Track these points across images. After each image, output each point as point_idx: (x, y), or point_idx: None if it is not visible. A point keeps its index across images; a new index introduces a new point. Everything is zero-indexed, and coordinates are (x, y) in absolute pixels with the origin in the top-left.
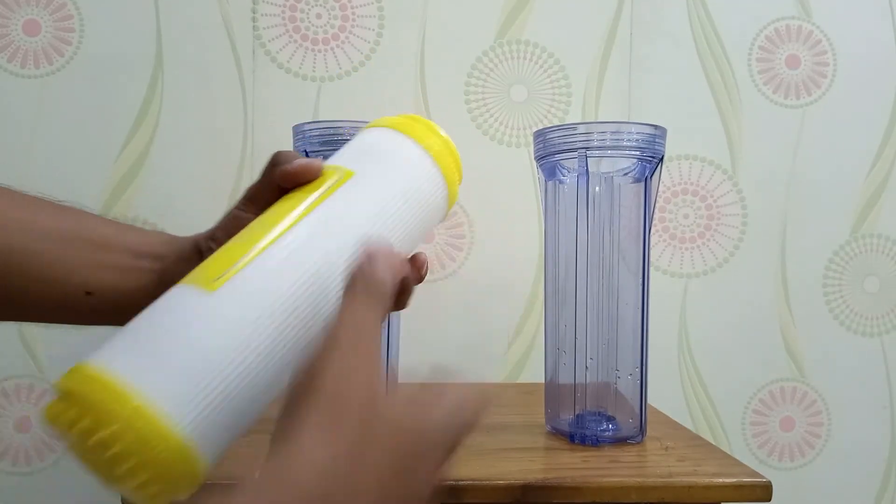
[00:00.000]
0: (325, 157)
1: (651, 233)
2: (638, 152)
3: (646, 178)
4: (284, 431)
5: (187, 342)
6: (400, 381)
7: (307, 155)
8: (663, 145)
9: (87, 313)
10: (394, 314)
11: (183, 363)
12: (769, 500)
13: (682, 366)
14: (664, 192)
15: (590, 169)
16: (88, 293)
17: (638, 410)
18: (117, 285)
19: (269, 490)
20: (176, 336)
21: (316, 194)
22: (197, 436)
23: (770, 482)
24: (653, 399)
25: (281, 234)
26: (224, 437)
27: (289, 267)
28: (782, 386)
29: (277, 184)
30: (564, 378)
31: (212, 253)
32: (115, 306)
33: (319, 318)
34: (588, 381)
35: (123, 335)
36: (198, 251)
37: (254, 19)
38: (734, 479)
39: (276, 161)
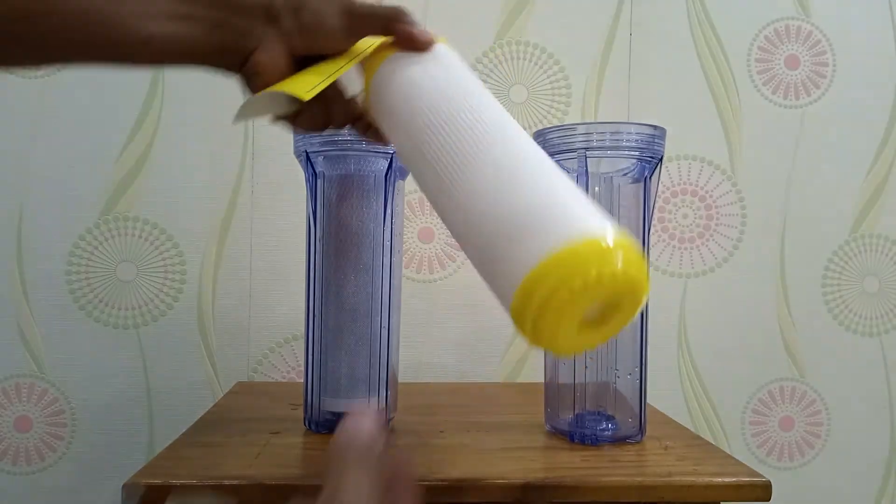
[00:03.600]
0: (325, 158)
1: (650, 233)
2: (637, 152)
3: (645, 179)
4: None
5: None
6: (400, 380)
7: (308, 155)
8: (663, 145)
9: (147, 56)
10: (394, 314)
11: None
12: (768, 499)
13: (682, 366)
14: (663, 192)
15: (589, 169)
16: (147, 41)
17: (637, 410)
18: (173, 32)
19: None
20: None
21: None
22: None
23: (769, 482)
24: (652, 399)
25: None
26: None
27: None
28: (782, 385)
29: (383, 27)
30: (564, 378)
31: (286, 23)
32: (173, 51)
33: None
34: (588, 380)
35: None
36: (264, 7)
37: None
38: (734, 479)
39: (398, 16)
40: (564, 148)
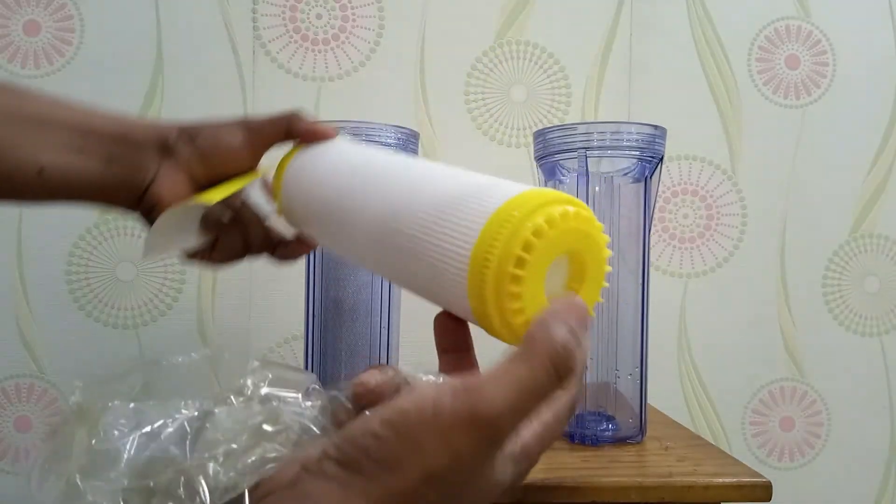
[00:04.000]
0: None
1: (651, 233)
2: (638, 152)
3: (645, 178)
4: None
5: None
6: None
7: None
8: (663, 145)
9: (39, 191)
10: (394, 314)
11: None
12: (769, 499)
13: (682, 366)
14: (664, 192)
15: (590, 169)
16: (40, 172)
17: (638, 410)
18: (66, 165)
19: None
20: None
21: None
22: None
23: (770, 482)
24: (653, 399)
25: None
26: None
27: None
28: (782, 386)
29: (285, 130)
30: None
31: (183, 152)
32: (63, 185)
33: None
34: (588, 380)
35: None
36: (158, 141)
37: (254, 19)
38: (734, 479)
39: (297, 115)
40: (564, 147)
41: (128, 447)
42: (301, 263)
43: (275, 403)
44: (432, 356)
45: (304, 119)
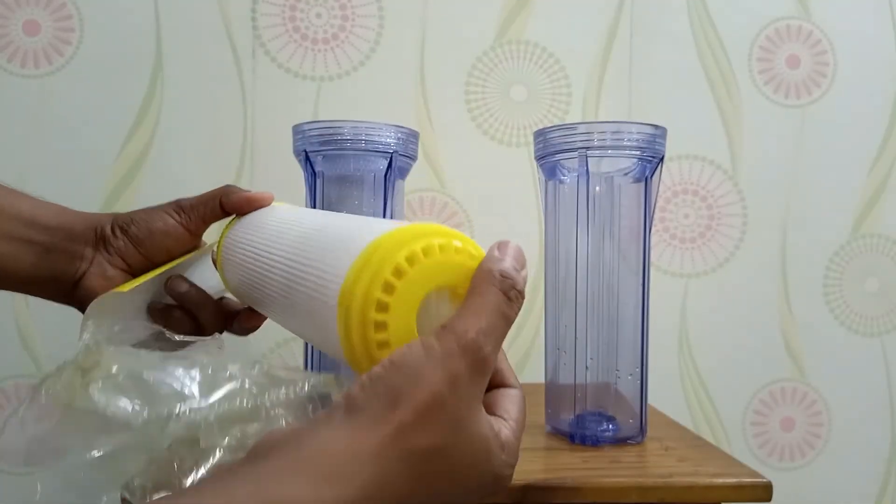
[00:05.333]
0: (325, 157)
1: (651, 233)
2: (638, 152)
3: (646, 178)
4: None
5: None
6: None
7: (307, 155)
8: (664, 145)
9: None
10: None
11: None
12: (769, 500)
13: (683, 366)
14: (664, 191)
15: (590, 169)
16: None
17: (638, 411)
18: (2, 253)
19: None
20: None
21: None
22: None
23: (770, 482)
24: (653, 399)
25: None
26: None
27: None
28: (783, 386)
29: (218, 206)
30: (564, 378)
31: (116, 243)
32: (7, 276)
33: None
34: (588, 381)
35: None
36: (94, 231)
37: (253, 19)
38: (734, 480)
39: (228, 190)
40: (565, 147)
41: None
42: None
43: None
44: None
45: (236, 192)
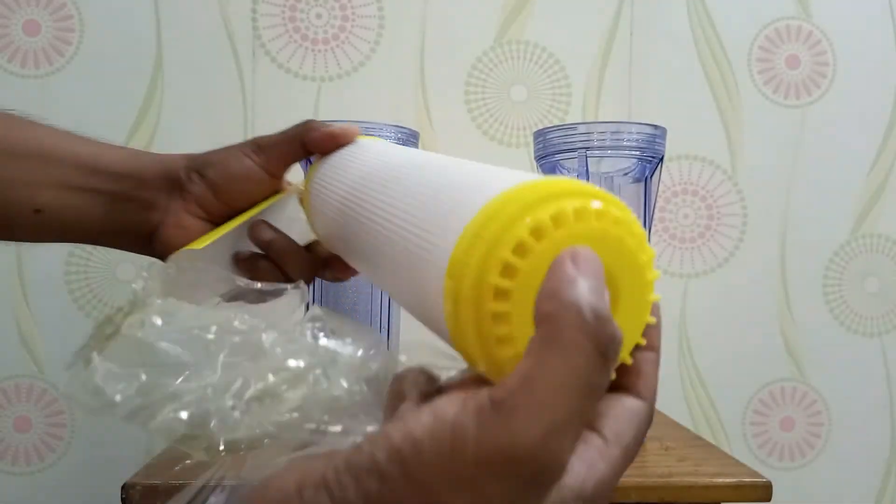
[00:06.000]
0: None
1: (651, 233)
2: (638, 152)
3: (646, 178)
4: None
5: None
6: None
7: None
8: (663, 145)
9: (34, 231)
10: (394, 314)
11: None
12: (769, 500)
13: (682, 366)
14: (664, 192)
15: (590, 169)
16: (37, 211)
17: None
18: (66, 204)
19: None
20: None
21: None
22: None
23: (770, 482)
24: None
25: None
26: None
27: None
28: (782, 386)
29: (300, 144)
30: None
31: (194, 189)
32: (62, 226)
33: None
34: None
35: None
36: (167, 177)
37: (254, 19)
38: (734, 479)
39: (310, 125)
40: (565, 147)
41: (156, 341)
42: None
43: (332, 346)
44: (432, 357)
45: (318, 128)
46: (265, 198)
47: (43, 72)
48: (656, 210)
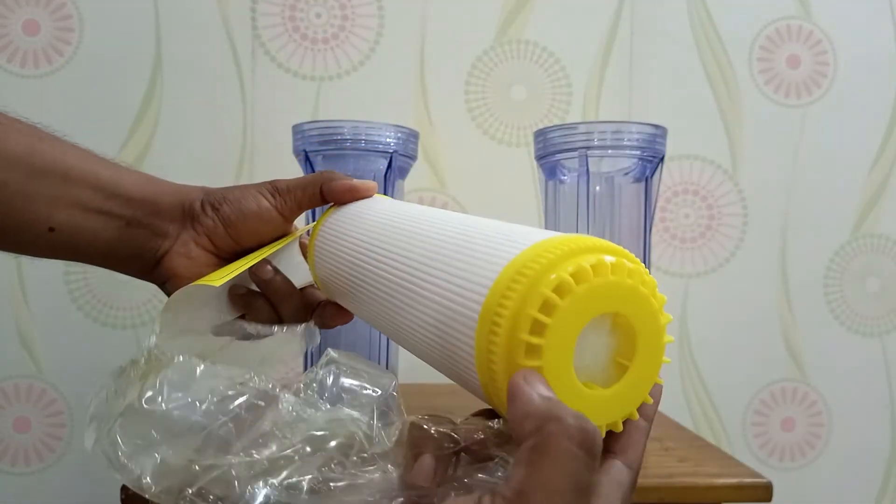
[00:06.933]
0: (324, 157)
1: (651, 233)
2: (638, 152)
3: (646, 178)
4: None
5: None
6: (400, 381)
7: (307, 155)
8: (664, 145)
9: (45, 248)
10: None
11: None
12: (770, 500)
13: (683, 366)
14: (665, 191)
15: (590, 168)
16: (51, 229)
17: None
18: (80, 225)
19: None
20: None
21: None
22: None
23: (770, 482)
24: None
25: None
26: None
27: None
28: (783, 386)
29: (317, 192)
30: None
31: (206, 222)
32: (73, 246)
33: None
34: None
35: None
36: (182, 207)
37: (253, 19)
38: (735, 480)
39: (331, 176)
40: (565, 147)
41: (172, 410)
42: None
43: (344, 400)
44: None
45: (338, 179)
46: (273, 238)
47: (42, 71)
48: (657, 210)
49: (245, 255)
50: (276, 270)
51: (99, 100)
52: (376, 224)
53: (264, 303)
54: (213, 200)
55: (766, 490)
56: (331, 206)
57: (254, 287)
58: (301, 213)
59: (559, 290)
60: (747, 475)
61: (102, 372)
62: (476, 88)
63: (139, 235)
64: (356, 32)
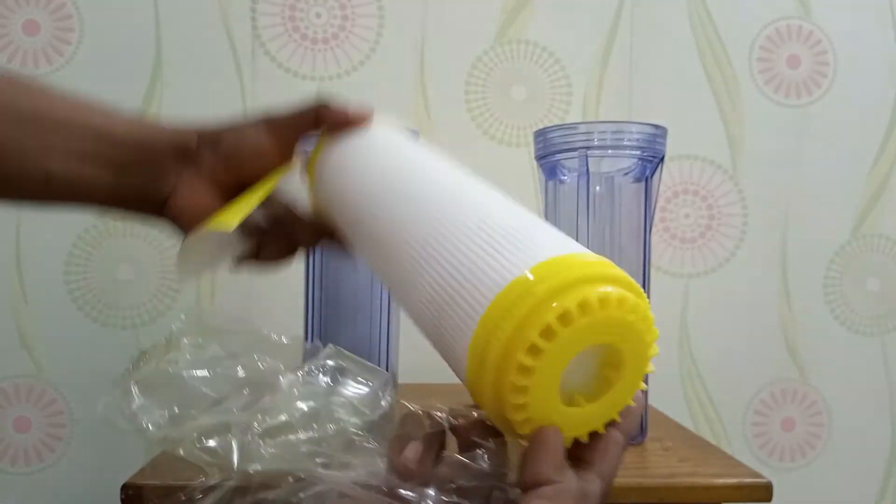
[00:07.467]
0: None
1: (652, 233)
2: (639, 152)
3: (646, 178)
4: None
5: None
6: (400, 381)
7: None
8: (664, 145)
9: (45, 197)
10: (394, 315)
11: None
12: (770, 500)
13: (683, 366)
14: (665, 191)
15: (590, 168)
16: (48, 180)
17: None
18: (76, 172)
19: None
20: None
21: None
22: None
23: (770, 482)
24: (653, 399)
25: None
26: None
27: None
28: (783, 386)
29: (313, 120)
30: None
31: (206, 160)
32: (72, 193)
33: None
34: None
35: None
36: (178, 148)
37: (253, 18)
38: (735, 480)
39: (325, 104)
40: (565, 147)
41: (185, 377)
42: (301, 264)
43: (340, 382)
44: (432, 357)
45: (334, 107)
46: (276, 169)
47: (42, 71)
48: (657, 210)
49: (248, 187)
50: (286, 201)
51: (98, 98)
52: (388, 169)
53: (278, 229)
54: (209, 141)
55: (766, 490)
56: (324, 135)
57: (262, 223)
58: (297, 144)
59: (546, 333)
60: (747, 475)
61: (102, 372)
62: (476, 88)
63: (137, 180)
64: (356, 32)
